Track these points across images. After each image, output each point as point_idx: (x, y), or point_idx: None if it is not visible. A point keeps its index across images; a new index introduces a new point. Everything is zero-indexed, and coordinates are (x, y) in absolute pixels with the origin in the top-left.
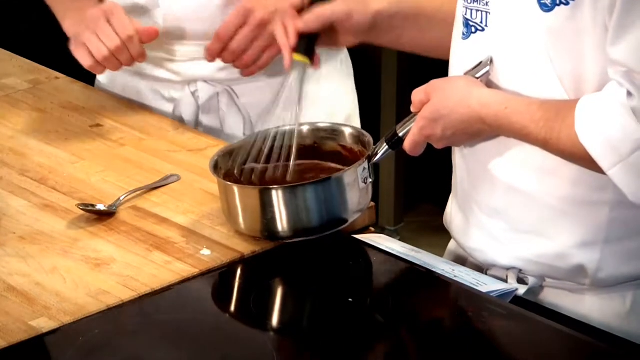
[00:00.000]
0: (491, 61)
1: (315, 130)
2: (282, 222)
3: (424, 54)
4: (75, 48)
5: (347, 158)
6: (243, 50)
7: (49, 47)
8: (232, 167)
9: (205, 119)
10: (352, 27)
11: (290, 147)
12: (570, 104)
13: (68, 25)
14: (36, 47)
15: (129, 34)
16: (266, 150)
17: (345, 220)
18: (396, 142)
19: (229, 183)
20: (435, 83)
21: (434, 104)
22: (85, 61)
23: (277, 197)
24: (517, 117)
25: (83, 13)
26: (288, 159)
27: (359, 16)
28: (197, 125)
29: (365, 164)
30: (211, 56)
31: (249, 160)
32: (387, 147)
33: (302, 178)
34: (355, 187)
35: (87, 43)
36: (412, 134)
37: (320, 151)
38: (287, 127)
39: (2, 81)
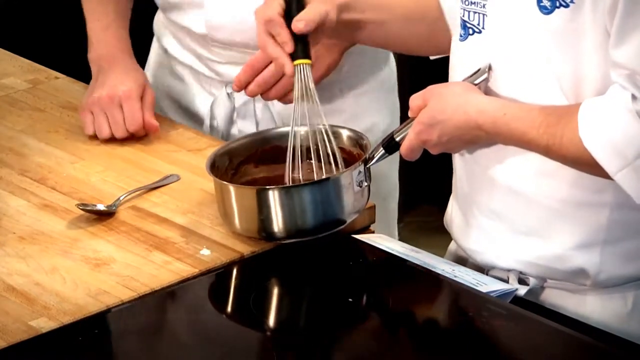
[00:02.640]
0: (489, 68)
1: (313, 132)
2: (277, 223)
3: (412, 54)
4: (83, 111)
5: (345, 160)
6: (270, 85)
7: (49, 47)
8: (229, 167)
9: (240, 123)
10: (330, 26)
11: (288, 148)
12: (572, 109)
13: (91, 56)
14: (36, 47)
15: (135, 128)
16: (265, 151)
17: (340, 222)
18: (393, 147)
19: (225, 183)
20: (432, 89)
21: (431, 110)
22: (87, 129)
23: (273, 198)
24: (517, 123)
25: (106, 49)
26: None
27: (332, 13)
28: (231, 125)
29: (361, 168)
30: (238, 86)
31: (246, 161)
32: (383, 151)
33: (298, 179)
34: (350, 190)
35: (95, 119)
36: (409, 138)
37: (318, 153)
38: (286, 128)
39: (2, 81)
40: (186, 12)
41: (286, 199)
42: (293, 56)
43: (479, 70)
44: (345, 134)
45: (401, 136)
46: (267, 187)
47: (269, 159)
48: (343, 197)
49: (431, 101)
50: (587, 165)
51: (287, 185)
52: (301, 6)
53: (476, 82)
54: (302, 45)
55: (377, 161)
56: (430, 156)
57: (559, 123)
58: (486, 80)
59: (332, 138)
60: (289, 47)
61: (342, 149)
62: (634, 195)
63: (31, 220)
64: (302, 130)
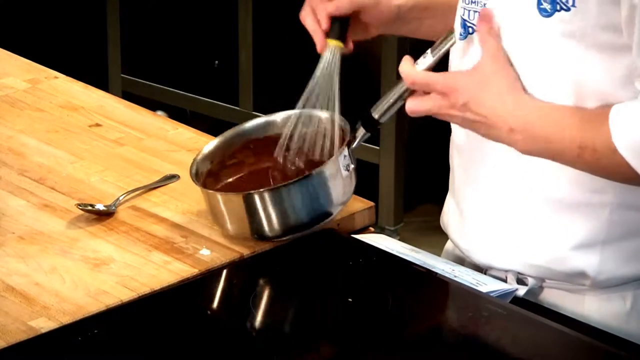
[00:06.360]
0: (453, 31)
1: (290, 118)
2: (270, 224)
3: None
4: None
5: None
6: None
7: (49, 46)
8: (212, 169)
9: None
10: (377, 17)
11: (269, 139)
12: (598, 115)
13: None
14: (36, 46)
15: None
16: (244, 146)
17: (333, 212)
18: (372, 125)
19: (211, 191)
20: (469, 85)
21: (475, 105)
22: None
23: (262, 201)
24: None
25: None
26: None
27: (385, 7)
28: None
29: (346, 152)
30: None
31: (229, 159)
32: (364, 130)
33: (284, 172)
34: (339, 176)
35: None
36: (427, 106)
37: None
38: (261, 120)
39: (1, 81)
40: None
41: (275, 200)
42: (328, 35)
43: (445, 37)
44: (324, 116)
45: (379, 113)
46: (253, 191)
47: (249, 153)
48: (332, 186)
49: (468, 99)
50: (618, 173)
51: (274, 186)
52: None
53: (445, 48)
54: (338, 26)
55: (359, 141)
56: (430, 156)
57: (592, 127)
58: (454, 43)
59: (335, 127)
60: (324, 24)
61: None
62: None
63: (30, 220)
64: (307, 112)
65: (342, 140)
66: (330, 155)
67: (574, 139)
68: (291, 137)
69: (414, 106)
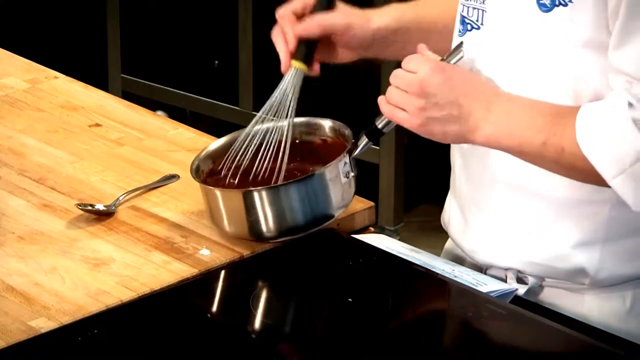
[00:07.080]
0: (462, 44)
1: (295, 126)
2: (267, 223)
3: None
4: None
5: (328, 152)
6: None
7: (49, 46)
8: (214, 169)
9: None
10: (350, 41)
11: (271, 145)
12: (571, 112)
13: None
14: (35, 46)
15: None
16: (248, 151)
17: (331, 216)
18: (376, 134)
19: (210, 187)
20: (438, 84)
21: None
22: None
23: (260, 198)
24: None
25: None
26: (270, 157)
27: (359, 31)
28: None
29: (346, 158)
30: None
31: (231, 161)
32: (367, 139)
33: (284, 176)
34: (338, 182)
35: None
36: (396, 101)
37: (300, 146)
38: (267, 125)
39: (1, 81)
40: None
41: (273, 199)
42: (294, 56)
43: (453, 50)
44: (327, 125)
45: (383, 123)
46: (253, 188)
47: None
48: (331, 191)
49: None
50: (582, 172)
51: (274, 184)
52: (327, 9)
53: (453, 61)
54: (304, 48)
55: (361, 150)
56: (430, 156)
57: (557, 128)
58: (462, 57)
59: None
60: (290, 45)
61: (324, 141)
62: (631, 202)
63: (30, 220)
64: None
65: (344, 147)
66: (330, 161)
67: (540, 132)
68: (290, 144)
69: (388, 94)
